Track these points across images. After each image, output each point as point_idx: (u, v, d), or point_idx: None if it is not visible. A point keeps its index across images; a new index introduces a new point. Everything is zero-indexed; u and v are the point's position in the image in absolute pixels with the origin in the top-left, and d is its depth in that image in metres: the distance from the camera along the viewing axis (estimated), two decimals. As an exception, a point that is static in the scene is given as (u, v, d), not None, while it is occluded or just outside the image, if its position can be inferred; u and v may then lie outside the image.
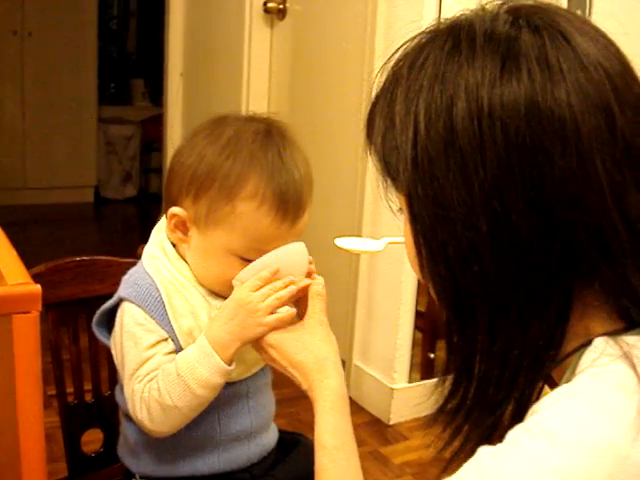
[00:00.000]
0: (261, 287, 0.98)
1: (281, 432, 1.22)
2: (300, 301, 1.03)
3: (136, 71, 5.33)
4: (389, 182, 0.71)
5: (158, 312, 1.02)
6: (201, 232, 1.03)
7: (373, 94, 0.72)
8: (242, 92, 2.90)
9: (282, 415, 2.29)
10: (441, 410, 0.72)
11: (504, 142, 0.61)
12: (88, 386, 1.29)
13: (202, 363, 0.98)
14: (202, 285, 1.06)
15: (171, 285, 1.04)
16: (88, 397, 1.29)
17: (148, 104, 5.15)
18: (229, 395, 1.05)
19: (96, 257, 1.31)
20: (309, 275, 1.04)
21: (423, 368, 2.40)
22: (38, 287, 0.79)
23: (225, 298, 1.03)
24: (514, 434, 0.61)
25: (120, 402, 1.12)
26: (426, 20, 2.07)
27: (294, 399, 2.41)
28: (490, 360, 0.66)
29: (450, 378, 0.71)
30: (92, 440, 1.31)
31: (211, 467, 1.08)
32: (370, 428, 2.29)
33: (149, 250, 1.09)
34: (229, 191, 1.00)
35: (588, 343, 0.64)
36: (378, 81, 0.72)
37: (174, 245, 1.07)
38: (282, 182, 1.01)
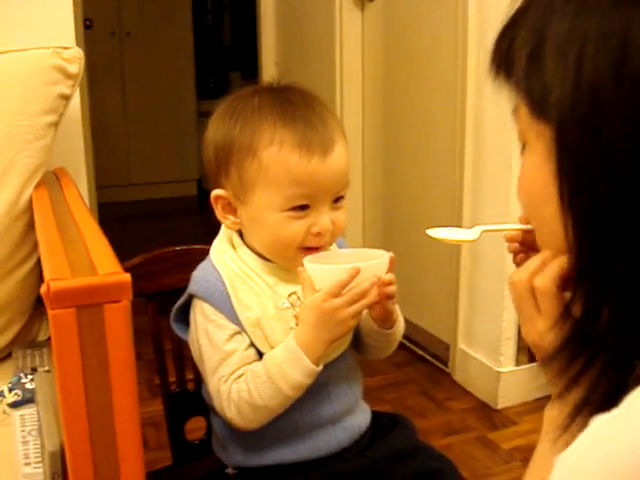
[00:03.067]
0: (340, 292, 0.97)
1: (379, 414, 1.20)
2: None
3: (233, 64, 5.40)
4: (524, 105, 0.66)
5: (225, 306, 1.03)
6: (244, 203, 1.03)
7: (508, 16, 0.67)
8: (336, 75, 2.88)
9: (387, 400, 2.29)
10: (562, 349, 0.66)
11: None
12: (190, 375, 1.30)
13: (293, 366, 0.99)
14: (270, 274, 1.05)
15: (237, 277, 1.04)
16: (191, 385, 1.31)
17: (245, 96, 5.20)
18: (310, 384, 1.03)
19: (192, 246, 1.32)
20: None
21: (531, 350, 2.32)
22: (127, 276, 0.79)
23: (294, 271, 1.02)
24: (634, 398, 0.56)
25: (206, 398, 1.13)
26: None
27: (399, 384, 2.42)
28: (624, 307, 0.61)
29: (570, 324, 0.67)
30: (197, 428, 1.31)
31: (299, 455, 1.07)
32: (477, 413, 2.23)
33: (217, 243, 1.10)
34: (248, 148, 1.00)
35: None
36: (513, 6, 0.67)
37: (242, 238, 1.08)
38: (296, 118, 0.99)
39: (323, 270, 0.98)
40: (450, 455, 1.98)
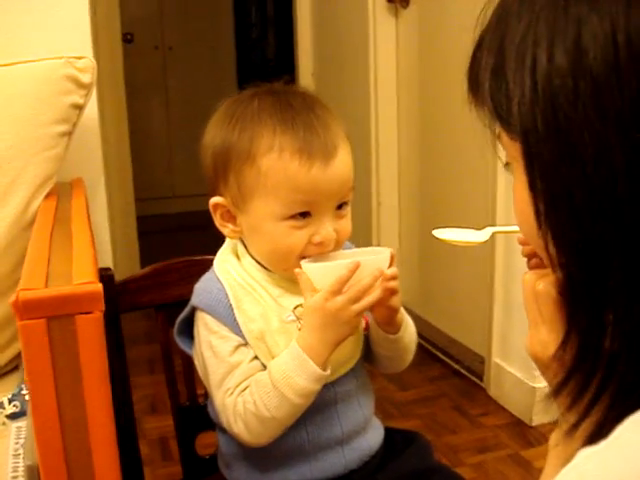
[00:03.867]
0: (342, 289, 0.93)
1: (392, 431, 1.14)
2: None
3: (275, 76, 5.40)
4: (499, 127, 0.61)
5: (228, 318, 0.99)
6: (243, 212, 0.99)
7: (477, 34, 0.64)
8: (370, 84, 2.85)
9: (418, 415, 2.23)
10: (564, 383, 0.60)
11: None
12: (202, 389, 1.28)
13: (298, 372, 0.94)
14: (274, 285, 1.01)
15: (241, 289, 1.00)
16: (202, 399, 1.28)
17: (287, 107, 5.21)
18: (316, 402, 0.99)
19: (203, 257, 1.29)
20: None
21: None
22: (99, 286, 0.77)
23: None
24: (621, 431, 0.50)
25: (212, 414, 1.10)
26: None
27: (432, 399, 2.35)
28: (627, 329, 0.55)
29: (572, 349, 0.60)
30: (210, 443, 1.29)
31: (303, 477, 1.03)
32: (511, 430, 2.15)
33: (221, 254, 1.07)
34: (247, 155, 0.96)
35: None
36: (482, 21, 0.63)
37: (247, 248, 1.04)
38: (296, 123, 0.95)
39: (321, 268, 0.94)
40: (481, 473, 1.93)
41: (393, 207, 2.93)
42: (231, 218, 1.02)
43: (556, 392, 0.61)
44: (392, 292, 0.98)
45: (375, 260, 0.95)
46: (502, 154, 0.66)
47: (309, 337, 0.94)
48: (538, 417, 2.15)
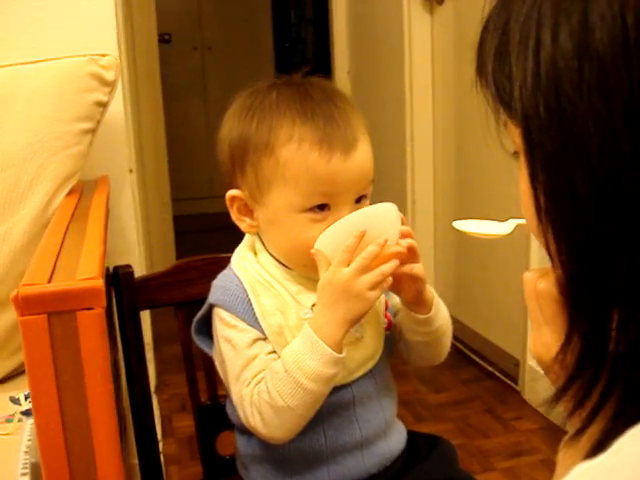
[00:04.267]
0: (351, 258, 0.90)
1: (416, 435, 1.11)
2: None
3: (314, 75, 5.40)
4: (503, 114, 0.59)
5: (247, 314, 0.97)
6: (261, 204, 0.97)
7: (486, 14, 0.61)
8: (405, 81, 2.82)
9: (450, 419, 2.20)
10: (565, 388, 0.56)
11: None
12: (223, 390, 1.26)
13: (310, 355, 0.90)
14: (292, 282, 0.99)
15: (259, 284, 0.99)
16: (223, 399, 1.26)
17: (325, 107, 5.20)
18: (333, 404, 0.96)
19: (223, 255, 1.28)
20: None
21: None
22: (100, 282, 0.76)
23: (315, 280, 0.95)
24: (622, 444, 0.47)
25: (230, 415, 1.08)
26: None
27: (464, 402, 2.31)
28: (629, 325, 0.52)
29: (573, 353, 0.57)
30: (232, 443, 1.27)
31: None
32: (545, 434, 2.10)
33: (239, 251, 1.05)
34: (265, 145, 0.94)
35: None
36: (490, 1, 0.61)
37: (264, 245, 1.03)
38: (316, 114, 0.93)
39: (329, 234, 0.92)
40: (512, 478, 1.89)
41: (428, 207, 2.89)
42: (248, 212, 1.00)
43: (557, 397, 0.58)
44: (411, 253, 0.95)
45: (380, 209, 0.93)
46: (507, 143, 0.63)
47: (320, 316, 0.92)
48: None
